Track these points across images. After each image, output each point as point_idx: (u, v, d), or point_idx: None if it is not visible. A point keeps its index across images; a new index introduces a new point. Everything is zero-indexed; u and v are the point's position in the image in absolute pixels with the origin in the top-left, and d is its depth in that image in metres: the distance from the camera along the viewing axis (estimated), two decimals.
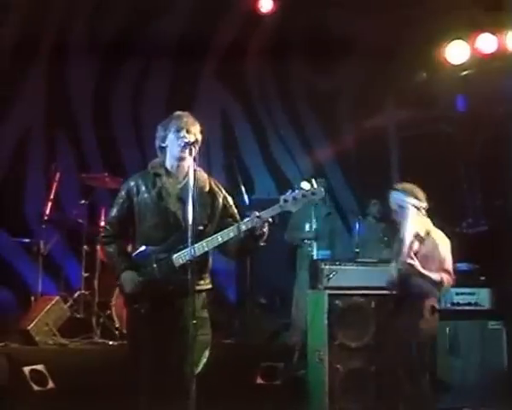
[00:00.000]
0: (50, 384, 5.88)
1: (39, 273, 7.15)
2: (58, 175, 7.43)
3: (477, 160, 8.84)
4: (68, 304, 6.93)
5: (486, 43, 7.19)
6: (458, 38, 7.44)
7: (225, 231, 4.26)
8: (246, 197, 7.10)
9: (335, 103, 10.14)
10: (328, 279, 6.19)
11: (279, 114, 10.22)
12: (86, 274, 7.06)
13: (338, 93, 10.13)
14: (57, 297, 6.77)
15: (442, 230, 7.09)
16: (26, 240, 7.50)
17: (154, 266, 4.28)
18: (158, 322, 4.25)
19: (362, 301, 6.23)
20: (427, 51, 8.36)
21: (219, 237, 4.25)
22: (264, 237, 4.33)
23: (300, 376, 6.38)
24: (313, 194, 4.20)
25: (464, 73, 7.60)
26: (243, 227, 4.23)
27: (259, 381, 6.34)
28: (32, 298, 7.14)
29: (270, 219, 4.26)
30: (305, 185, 4.21)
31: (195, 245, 4.16)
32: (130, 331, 4.56)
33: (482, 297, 6.80)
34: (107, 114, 9.41)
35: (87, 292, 7.00)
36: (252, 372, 6.39)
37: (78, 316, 6.93)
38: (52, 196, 7.30)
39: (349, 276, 6.30)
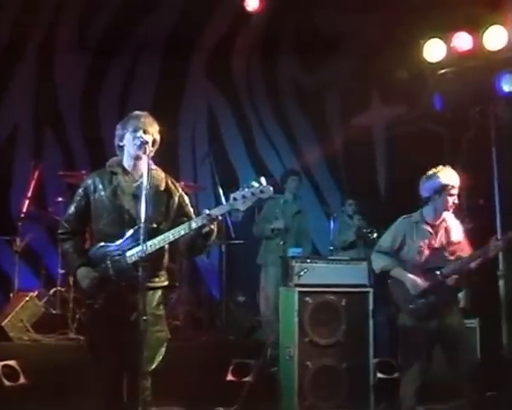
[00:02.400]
0: (22, 380, 5.94)
1: (16, 269, 7.21)
2: (37, 173, 7.50)
3: (462, 158, 8.81)
4: (44, 300, 6.99)
5: (462, 41, 7.18)
6: (435, 37, 7.43)
7: (177, 228, 4.32)
8: (223, 197, 7.14)
9: (322, 101, 10.17)
10: (299, 277, 6.21)
11: (265, 111, 10.24)
12: (62, 271, 7.12)
13: (325, 91, 10.16)
14: (31, 294, 6.83)
15: None
16: (5, 237, 7.57)
17: (108, 262, 4.34)
18: (111, 318, 4.32)
19: (332, 298, 6.24)
20: (412, 49, 8.33)
21: (171, 235, 4.31)
22: (214, 236, 4.39)
23: (272, 373, 6.40)
24: (262, 192, 4.25)
25: (442, 71, 7.59)
26: (194, 225, 4.29)
27: (230, 377, 6.38)
28: (11, 294, 7.22)
29: (220, 217, 4.31)
30: (254, 183, 4.24)
31: (148, 242, 4.22)
32: (86, 326, 4.64)
33: None
34: (94, 113, 9.45)
35: (63, 288, 7.06)
36: (223, 369, 6.44)
37: (54, 312, 7.00)
38: (30, 194, 7.37)
39: (320, 274, 6.31)
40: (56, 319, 6.92)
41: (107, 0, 9.24)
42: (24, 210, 7.35)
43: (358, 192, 9.12)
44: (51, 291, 7.15)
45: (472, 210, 8.42)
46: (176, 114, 9.76)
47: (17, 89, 9.24)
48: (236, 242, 7.83)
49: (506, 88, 7.10)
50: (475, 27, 7.18)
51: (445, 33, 7.41)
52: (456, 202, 5.35)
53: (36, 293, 7.11)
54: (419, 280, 5.28)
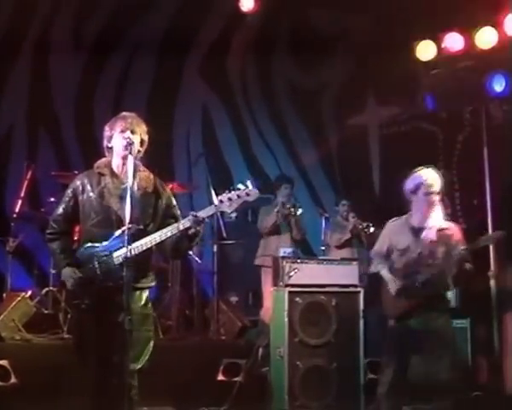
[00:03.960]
0: (13, 379, 5.97)
1: (8, 269, 7.24)
2: (30, 173, 7.53)
3: (456, 158, 8.83)
4: (36, 300, 7.02)
5: (454, 41, 7.20)
6: (428, 37, 7.45)
7: (164, 230, 4.35)
8: (215, 198, 7.14)
9: (317, 101, 10.20)
10: (289, 277, 6.23)
11: (260, 111, 10.28)
12: (55, 271, 7.12)
13: (320, 91, 10.18)
14: (23, 294, 6.87)
15: None
16: None
17: (95, 263, 4.36)
18: (98, 318, 4.34)
19: (322, 298, 6.26)
20: (406, 50, 8.35)
21: (157, 237, 4.34)
22: (199, 237, 4.42)
23: (263, 373, 6.41)
24: (248, 194, 4.28)
25: (434, 71, 7.61)
26: (180, 226, 4.32)
27: (221, 377, 6.39)
28: (4, 295, 7.24)
29: (207, 219, 4.34)
30: (241, 186, 4.27)
31: (134, 244, 4.26)
32: (73, 327, 4.67)
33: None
34: (88, 113, 9.45)
35: (55, 288, 7.09)
36: (214, 369, 6.45)
37: (46, 312, 7.03)
38: (23, 194, 7.41)
39: (310, 274, 6.33)
40: (48, 319, 6.95)
41: (102, 0, 9.27)
42: (17, 210, 7.37)
43: (353, 192, 9.14)
44: (43, 291, 7.17)
45: (466, 210, 8.46)
46: (170, 114, 9.80)
47: (12, 89, 9.25)
48: (229, 242, 7.84)
49: (497, 88, 7.11)
50: (467, 28, 7.19)
51: (437, 34, 7.42)
52: (434, 200, 5.21)
53: (29, 293, 7.14)
54: (396, 281, 5.25)
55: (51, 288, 7.13)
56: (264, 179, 9.51)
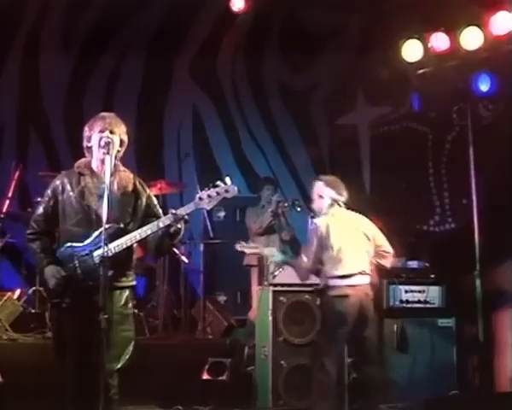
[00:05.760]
0: None
1: None
2: (18, 173, 7.56)
3: (446, 158, 8.85)
4: (23, 299, 7.04)
5: (439, 41, 7.21)
6: (414, 37, 7.45)
7: (144, 228, 4.37)
8: None
9: (308, 101, 10.21)
10: (274, 276, 6.25)
11: (251, 111, 10.27)
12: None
13: (310, 91, 10.20)
14: (9, 293, 6.89)
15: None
16: None
17: (76, 262, 4.38)
18: (78, 317, 4.36)
19: (307, 298, 6.29)
20: (395, 50, 8.37)
21: (137, 235, 4.36)
22: (180, 235, 4.45)
23: (248, 372, 6.44)
24: (226, 191, 4.33)
25: (421, 71, 7.62)
26: (160, 224, 4.35)
27: (206, 376, 6.41)
28: None
29: (186, 217, 4.36)
30: (219, 183, 4.32)
31: (114, 242, 4.29)
32: (52, 326, 4.69)
33: (432, 295, 6.85)
34: (78, 113, 9.43)
35: (42, 288, 7.09)
36: (199, 368, 6.47)
37: (33, 311, 7.04)
38: (11, 194, 7.44)
39: (295, 273, 6.33)
40: (35, 319, 6.95)
41: (93, 0, 9.28)
42: (4, 210, 7.40)
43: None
44: (30, 290, 7.19)
45: (455, 210, 8.48)
46: (160, 114, 9.80)
47: (1, 88, 9.24)
48: (216, 241, 7.86)
49: (483, 88, 7.14)
50: (453, 28, 7.21)
51: (424, 33, 7.43)
52: None
53: (18, 292, 7.17)
54: None
55: (38, 287, 7.14)
56: (254, 179, 9.56)
